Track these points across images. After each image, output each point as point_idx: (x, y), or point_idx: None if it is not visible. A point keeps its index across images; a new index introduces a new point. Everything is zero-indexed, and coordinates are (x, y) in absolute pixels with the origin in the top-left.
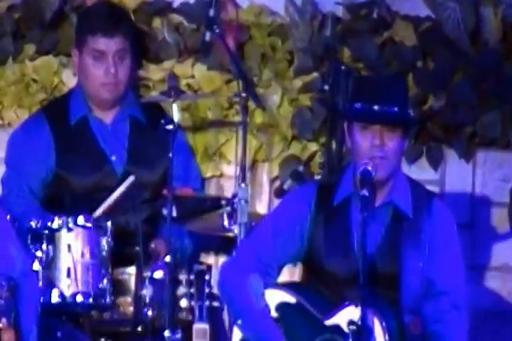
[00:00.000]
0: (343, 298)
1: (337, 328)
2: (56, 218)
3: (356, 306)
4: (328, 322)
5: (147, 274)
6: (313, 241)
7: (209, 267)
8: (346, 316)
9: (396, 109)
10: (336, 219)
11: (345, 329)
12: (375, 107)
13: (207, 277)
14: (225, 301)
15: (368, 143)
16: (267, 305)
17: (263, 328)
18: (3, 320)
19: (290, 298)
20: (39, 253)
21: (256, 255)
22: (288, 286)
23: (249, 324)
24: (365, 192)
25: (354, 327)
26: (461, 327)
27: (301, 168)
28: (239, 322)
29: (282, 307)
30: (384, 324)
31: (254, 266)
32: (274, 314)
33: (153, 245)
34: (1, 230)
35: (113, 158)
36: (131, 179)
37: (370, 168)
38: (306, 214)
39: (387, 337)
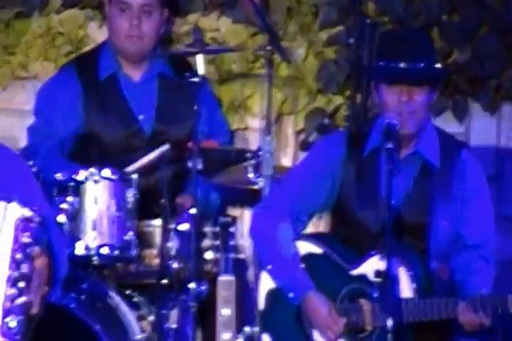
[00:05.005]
0: (370, 248)
1: (363, 278)
2: (82, 170)
3: (382, 255)
4: (355, 272)
5: (172, 226)
6: (344, 189)
7: (234, 219)
8: (373, 266)
9: (422, 65)
10: (365, 169)
11: (372, 278)
12: (401, 65)
13: (232, 229)
14: (256, 247)
15: (396, 100)
16: (297, 253)
17: (293, 274)
18: (37, 247)
19: (316, 249)
20: (64, 206)
21: (287, 201)
22: (314, 237)
23: (279, 270)
24: (389, 145)
25: (381, 278)
26: (489, 278)
27: (326, 121)
28: (269, 267)
29: (308, 258)
30: (411, 273)
31: (286, 212)
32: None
33: (179, 199)
34: (25, 179)
35: (140, 117)
36: (165, 147)
37: (395, 121)
38: (337, 162)
39: (414, 286)
